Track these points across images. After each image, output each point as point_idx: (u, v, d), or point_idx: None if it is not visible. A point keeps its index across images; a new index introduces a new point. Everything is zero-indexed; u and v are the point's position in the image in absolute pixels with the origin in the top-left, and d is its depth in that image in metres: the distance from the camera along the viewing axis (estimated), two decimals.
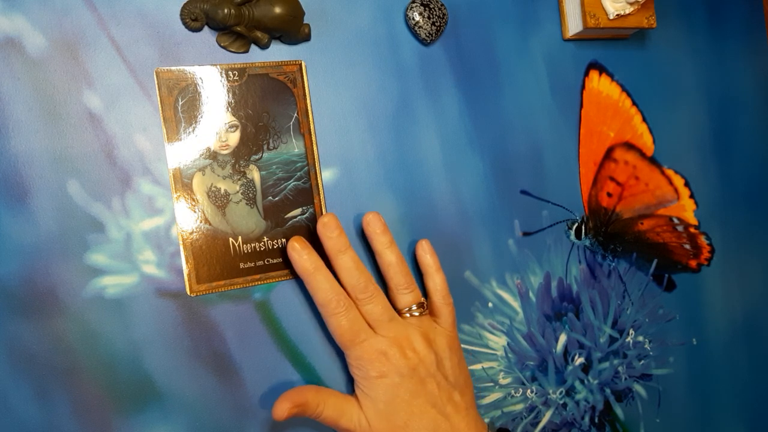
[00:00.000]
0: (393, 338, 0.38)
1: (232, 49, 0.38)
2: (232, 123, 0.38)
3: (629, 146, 0.51)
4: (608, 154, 0.50)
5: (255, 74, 0.39)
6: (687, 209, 0.54)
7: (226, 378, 0.38)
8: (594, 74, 0.50)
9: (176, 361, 0.37)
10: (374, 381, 0.37)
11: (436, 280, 0.42)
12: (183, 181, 0.37)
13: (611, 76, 0.51)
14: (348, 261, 0.38)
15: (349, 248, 0.38)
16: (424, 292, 0.43)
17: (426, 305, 0.41)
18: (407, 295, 0.40)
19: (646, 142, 0.52)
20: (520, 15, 0.47)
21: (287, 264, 0.39)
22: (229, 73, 0.38)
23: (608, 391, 0.50)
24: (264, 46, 0.39)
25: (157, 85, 0.36)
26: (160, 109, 0.37)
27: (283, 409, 0.36)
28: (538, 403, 0.47)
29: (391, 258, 0.39)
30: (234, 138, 0.38)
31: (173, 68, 0.37)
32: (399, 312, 0.40)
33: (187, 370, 0.37)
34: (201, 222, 0.37)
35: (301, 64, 0.40)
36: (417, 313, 0.40)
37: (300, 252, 0.37)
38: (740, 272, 0.57)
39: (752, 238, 0.58)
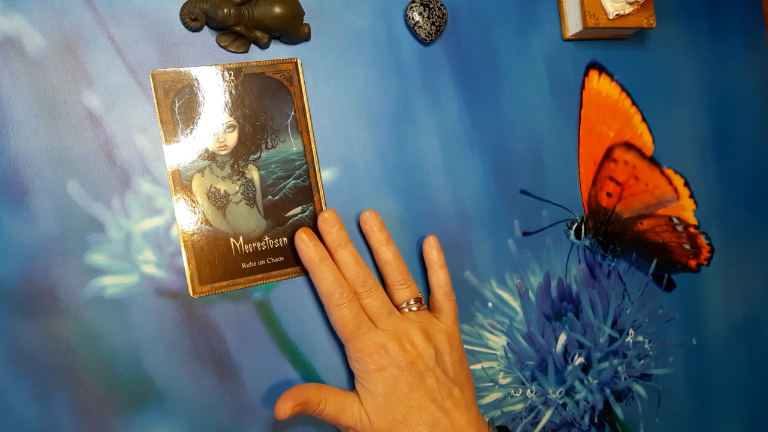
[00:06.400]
0: (392, 332, 0.38)
1: (232, 49, 0.38)
2: (229, 123, 0.38)
3: (629, 146, 0.51)
4: (608, 153, 0.50)
5: (251, 74, 0.39)
6: (687, 209, 0.54)
7: (226, 378, 0.38)
8: (594, 74, 0.50)
9: (176, 361, 0.37)
10: (373, 374, 0.37)
11: (439, 276, 0.42)
12: (182, 183, 0.37)
13: (611, 75, 0.51)
14: (347, 256, 0.38)
15: (349, 243, 0.39)
16: (427, 288, 0.43)
17: (423, 301, 0.41)
18: (404, 290, 0.40)
19: (646, 141, 0.52)
20: (520, 15, 0.47)
21: (289, 263, 0.39)
22: (225, 73, 0.38)
23: (608, 390, 0.50)
24: (264, 46, 0.39)
25: (153, 87, 0.36)
26: (157, 111, 0.37)
27: (285, 408, 0.36)
28: (537, 402, 0.47)
29: (387, 255, 0.40)
30: (232, 138, 0.38)
31: (169, 70, 0.37)
32: (397, 307, 0.40)
33: (187, 370, 0.37)
34: (201, 223, 0.37)
35: (296, 62, 0.40)
36: (415, 308, 0.40)
37: (307, 242, 0.38)
38: (740, 272, 0.57)
39: (752, 238, 0.58)
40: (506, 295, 0.47)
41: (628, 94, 0.51)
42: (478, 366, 0.46)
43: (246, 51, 0.39)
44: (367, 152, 0.42)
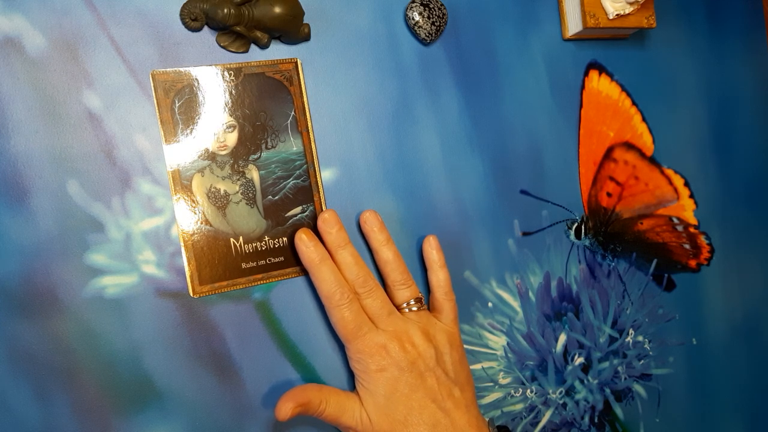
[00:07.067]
0: (392, 332, 0.38)
1: (232, 49, 0.38)
2: (229, 123, 0.38)
3: (629, 146, 0.51)
4: (608, 153, 0.50)
5: (251, 73, 0.39)
6: (687, 209, 0.54)
7: (226, 378, 0.38)
8: (594, 74, 0.50)
9: (176, 361, 0.37)
10: (374, 375, 0.37)
11: (439, 276, 0.42)
12: (182, 183, 0.37)
13: (611, 75, 0.51)
14: (347, 256, 0.38)
15: (349, 244, 0.39)
16: (427, 287, 0.43)
17: (424, 301, 0.41)
18: (404, 290, 0.40)
19: (646, 141, 0.52)
20: (520, 15, 0.47)
21: (289, 263, 0.39)
22: (225, 73, 0.38)
23: (608, 390, 0.50)
24: (264, 46, 0.39)
25: (153, 87, 0.36)
26: (157, 111, 0.37)
27: (286, 408, 0.36)
28: (537, 402, 0.47)
29: (388, 255, 0.40)
30: (232, 138, 0.38)
31: (169, 70, 0.37)
32: (397, 307, 0.40)
33: (187, 370, 0.37)
34: (201, 223, 0.37)
35: (296, 62, 0.40)
36: (415, 308, 0.40)
37: (307, 243, 0.38)
38: (740, 272, 0.57)
39: (752, 238, 0.58)
40: (506, 295, 0.47)
41: (628, 94, 0.51)
42: (478, 366, 0.46)
43: (246, 51, 0.39)
44: (367, 152, 0.42)
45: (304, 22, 0.40)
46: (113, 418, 0.36)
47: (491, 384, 0.46)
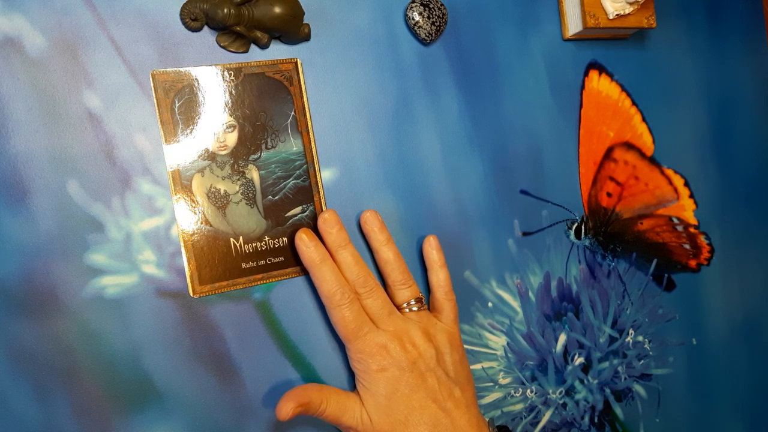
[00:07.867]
0: (393, 332, 0.38)
1: (232, 49, 0.38)
2: (229, 123, 0.38)
3: (629, 146, 0.51)
4: (608, 153, 0.50)
5: (251, 74, 0.39)
6: (687, 209, 0.54)
7: (226, 378, 0.38)
8: (594, 74, 0.50)
9: (176, 361, 0.37)
10: (374, 375, 0.37)
11: (439, 276, 0.42)
12: (182, 183, 0.37)
13: (611, 75, 0.51)
14: (348, 256, 0.38)
15: (349, 244, 0.39)
16: (427, 287, 0.43)
17: (424, 301, 0.41)
18: (405, 290, 0.40)
19: (646, 141, 0.52)
20: (520, 15, 0.47)
21: (289, 263, 0.39)
22: (225, 73, 0.38)
23: (608, 390, 0.50)
24: (264, 46, 0.39)
25: (153, 87, 0.36)
26: (157, 111, 0.37)
27: (287, 408, 0.36)
28: (537, 402, 0.47)
29: (388, 255, 0.40)
30: (232, 138, 0.38)
31: (169, 70, 0.37)
32: (398, 307, 0.40)
33: (187, 370, 0.37)
34: (201, 223, 0.37)
35: (296, 62, 0.40)
36: (415, 308, 0.40)
37: (307, 243, 0.38)
38: (740, 272, 0.57)
39: (752, 238, 0.58)
40: (506, 295, 0.47)
41: (628, 94, 0.51)
42: (478, 366, 0.46)
43: (246, 51, 0.39)
44: (367, 152, 0.42)
45: (304, 22, 0.40)
46: (113, 418, 0.36)
47: (491, 384, 0.46)
